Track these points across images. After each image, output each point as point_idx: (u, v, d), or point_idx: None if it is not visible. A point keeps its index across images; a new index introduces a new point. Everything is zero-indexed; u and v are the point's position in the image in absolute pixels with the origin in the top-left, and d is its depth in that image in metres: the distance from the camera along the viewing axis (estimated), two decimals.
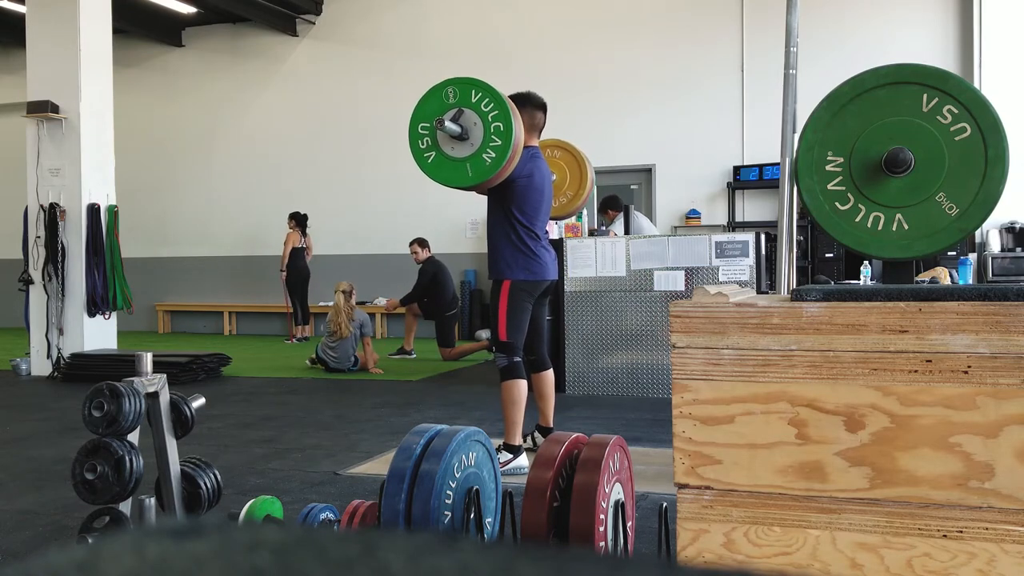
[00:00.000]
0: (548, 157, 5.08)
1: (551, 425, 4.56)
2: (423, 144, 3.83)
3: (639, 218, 8.72)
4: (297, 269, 11.04)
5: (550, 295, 4.50)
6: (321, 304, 11.58)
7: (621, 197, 9.23)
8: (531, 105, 4.32)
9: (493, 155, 3.75)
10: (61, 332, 8.09)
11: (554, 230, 7.69)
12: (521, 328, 4.18)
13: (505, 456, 4.09)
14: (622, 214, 8.55)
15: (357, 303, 11.83)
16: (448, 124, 3.72)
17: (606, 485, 2.40)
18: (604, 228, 8.30)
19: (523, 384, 4.13)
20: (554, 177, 5.11)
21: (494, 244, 4.22)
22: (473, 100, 3.77)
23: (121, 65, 11.27)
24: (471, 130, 3.77)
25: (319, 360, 8.16)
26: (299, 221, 11.15)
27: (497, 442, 4.08)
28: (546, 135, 4.66)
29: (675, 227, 10.88)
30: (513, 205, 4.13)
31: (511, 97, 4.32)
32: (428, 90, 3.88)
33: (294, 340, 11.11)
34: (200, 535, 0.35)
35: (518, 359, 4.13)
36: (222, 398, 6.47)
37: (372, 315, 11.88)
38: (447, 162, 3.81)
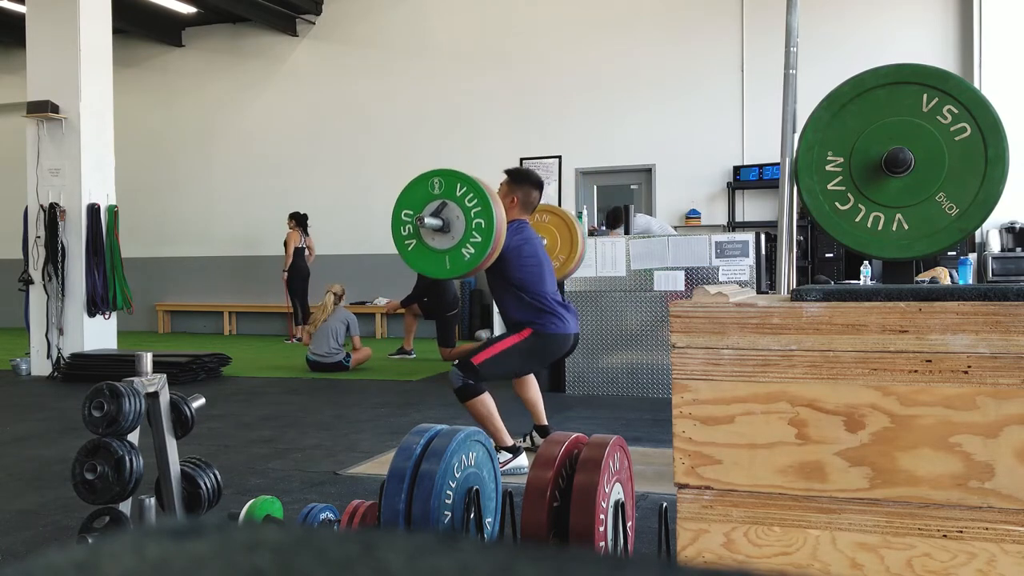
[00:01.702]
0: (537, 222, 5.15)
1: (546, 423, 4.56)
2: (405, 231, 3.88)
3: (649, 220, 8.71)
4: (297, 269, 11.02)
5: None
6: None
7: (622, 199, 9.24)
8: (528, 183, 4.39)
9: (472, 251, 3.80)
10: (61, 332, 8.09)
11: None
12: (500, 373, 4.16)
13: (504, 456, 4.10)
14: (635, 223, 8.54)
15: (357, 303, 11.88)
16: (428, 220, 3.77)
17: (606, 485, 2.40)
18: (600, 229, 8.30)
19: (485, 396, 4.10)
20: (544, 241, 5.16)
21: (507, 309, 4.23)
22: (458, 194, 3.81)
23: (121, 65, 11.27)
24: (453, 223, 3.81)
25: (308, 364, 8.18)
26: (299, 221, 11.13)
27: None
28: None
29: (675, 227, 10.88)
30: (512, 277, 4.17)
31: (510, 172, 4.42)
32: (414, 178, 3.92)
33: (294, 340, 11.10)
34: (200, 535, 0.35)
35: (474, 382, 4.08)
36: (222, 398, 6.47)
37: (372, 315, 11.89)
38: (427, 253, 3.86)
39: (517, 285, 4.16)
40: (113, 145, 8.52)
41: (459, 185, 3.80)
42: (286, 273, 11.07)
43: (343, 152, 12.41)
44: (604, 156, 11.26)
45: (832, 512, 1.42)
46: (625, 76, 11.12)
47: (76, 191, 8.11)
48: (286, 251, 11.07)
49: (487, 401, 4.09)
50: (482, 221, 3.77)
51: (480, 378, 4.07)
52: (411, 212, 3.83)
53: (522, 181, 4.36)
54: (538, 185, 4.43)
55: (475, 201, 3.78)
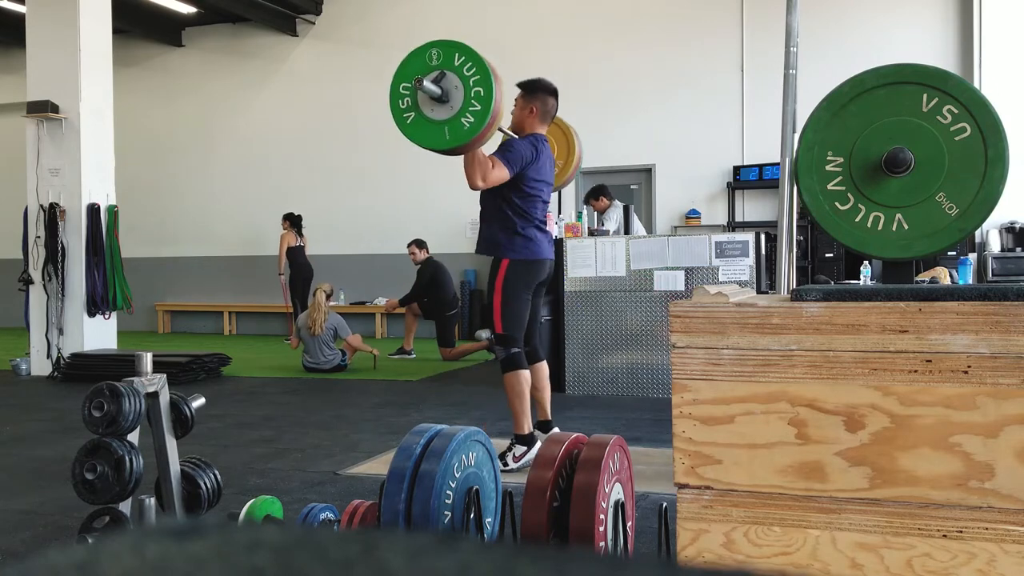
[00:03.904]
0: None
1: (549, 418, 4.55)
2: (403, 104, 3.82)
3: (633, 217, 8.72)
4: (299, 267, 11.00)
5: (547, 286, 4.48)
6: None
7: (622, 199, 9.23)
8: (542, 91, 4.30)
9: (472, 120, 3.72)
10: (61, 332, 8.09)
11: (554, 230, 7.68)
12: (518, 319, 4.16)
13: (520, 449, 4.09)
14: (619, 209, 8.54)
15: (357, 303, 11.89)
16: (427, 84, 3.69)
17: (606, 485, 2.40)
18: (599, 229, 8.30)
19: (525, 374, 4.11)
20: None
21: (488, 222, 4.22)
22: (456, 64, 3.74)
23: (121, 65, 11.26)
24: (451, 93, 3.74)
25: (305, 370, 8.14)
26: (293, 222, 11.10)
27: (499, 443, 4.06)
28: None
29: (675, 227, 10.88)
30: (514, 190, 4.12)
31: (521, 84, 4.33)
32: (411, 51, 3.85)
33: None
34: (200, 535, 0.35)
35: (517, 350, 4.11)
36: (222, 398, 6.47)
37: (371, 315, 11.90)
38: (425, 123, 3.79)
39: (515, 197, 4.12)
40: (113, 145, 8.52)
41: (457, 55, 3.74)
42: (283, 275, 11.05)
43: (343, 151, 12.41)
44: (604, 156, 11.25)
45: (832, 512, 1.42)
46: (625, 76, 11.12)
47: (76, 191, 8.11)
48: (280, 251, 11.06)
49: (523, 379, 4.09)
50: (481, 90, 3.69)
51: (512, 342, 4.08)
52: (409, 85, 3.78)
53: (534, 90, 4.28)
54: (552, 92, 4.35)
55: (473, 70, 3.71)
